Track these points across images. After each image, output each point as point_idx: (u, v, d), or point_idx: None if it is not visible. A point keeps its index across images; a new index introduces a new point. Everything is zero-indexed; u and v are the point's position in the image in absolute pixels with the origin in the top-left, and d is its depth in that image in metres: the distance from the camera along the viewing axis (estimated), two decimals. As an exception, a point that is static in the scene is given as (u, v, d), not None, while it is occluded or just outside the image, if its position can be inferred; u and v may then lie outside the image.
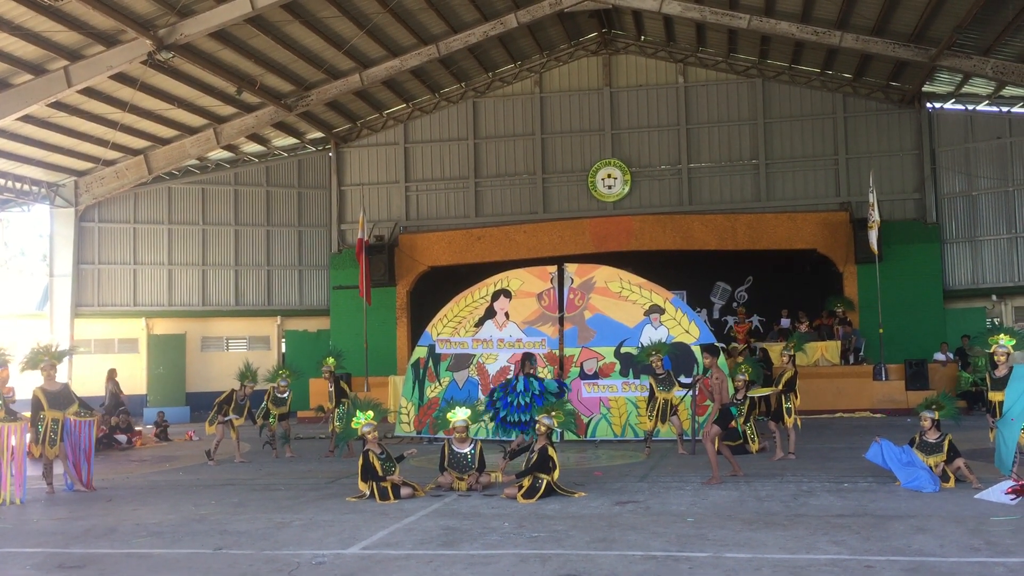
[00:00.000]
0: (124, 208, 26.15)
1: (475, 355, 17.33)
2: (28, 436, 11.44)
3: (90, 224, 25.75)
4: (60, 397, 11.81)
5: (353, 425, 10.88)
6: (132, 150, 24.55)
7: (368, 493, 10.25)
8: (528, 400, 13.61)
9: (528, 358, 14.85)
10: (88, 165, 24.57)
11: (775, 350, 19.28)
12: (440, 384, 17.34)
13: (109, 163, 24.66)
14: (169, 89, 21.48)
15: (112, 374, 20.75)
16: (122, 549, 8.03)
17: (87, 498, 11.24)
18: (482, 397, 16.53)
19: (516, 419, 13.51)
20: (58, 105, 20.45)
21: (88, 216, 25.68)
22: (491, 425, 14.60)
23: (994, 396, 10.58)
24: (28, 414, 11.61)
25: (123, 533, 8.74)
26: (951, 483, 10.13)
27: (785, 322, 23.11)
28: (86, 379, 23.24)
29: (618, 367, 16.47)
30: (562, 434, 13.36)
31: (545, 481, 10.08)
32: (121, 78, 19.93)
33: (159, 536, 8.52)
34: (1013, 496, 9.26)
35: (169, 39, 18.38)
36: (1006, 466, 10.05)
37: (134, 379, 25.60)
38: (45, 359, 11.84)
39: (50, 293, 25.63)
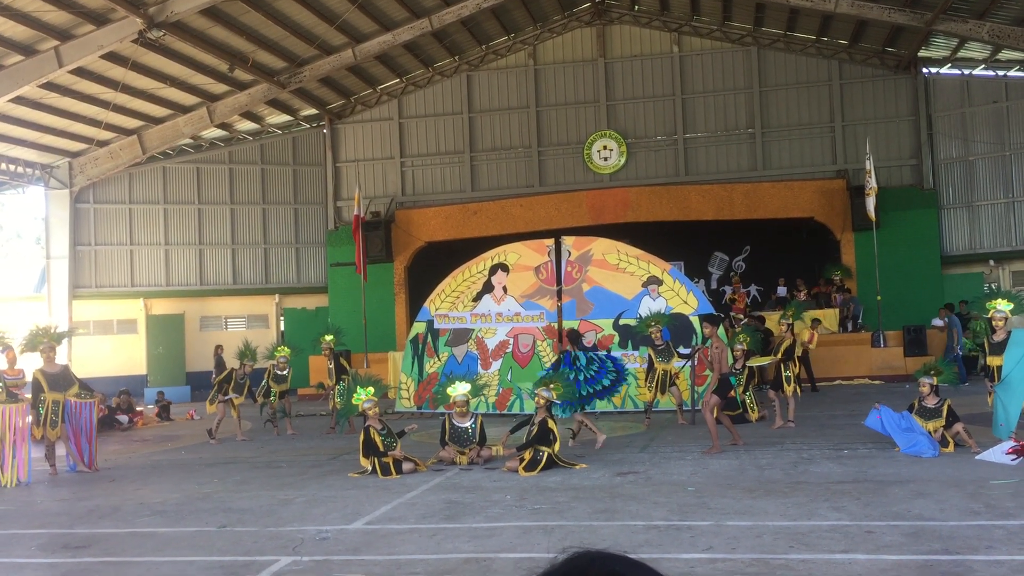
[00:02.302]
0: (119, 188, 26.05)
1: (473, 329, 17.35)
2: (29, 418, 11.47)
3: (85, 205, 25.66)
4: (60, 379, 11.84)
5: (354, 401, 10.91)
6: (125, 130, 24.41)
7: (370, 469, 10.30)
8: (595, 371, 12.90)
9: (573, 335, 13.63)
10: (82, 146, 24.46)
11: (773, 319, 19.29)
12: (439, 359, 17.37)
13: (103, 143, 24.53)
14: (161, 68, 21.33)
15: (219, 349, 22.28)
16: (126, 529, 8.07)
17: (90, 479, 11.29)
18: (481, 371, 16.58)
19: (594, 388, 12.72)
20: (50, 86, 20.31)
21: (83, 197, 25.58)
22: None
23: (992, 360, 10.61)
24: (28, 396, 11.63)
25: (127, 513, 8.78)
26: (950, 448, 10.19)
27: (782, 291, 23.12)
28: (85, 360, 23.27)
29: (617, 339, 16.48)
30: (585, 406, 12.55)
31: (546, 453, 10.12)
32: (112, 57, 19.79)
33: (163, 515, 8.56)
34: (1014, 456, 9.32)
35: (160, 17, 18.23)
36: (1008, 429, 10.09)
37: (133, 360, 25.67)
38: (44, 341, 11.86)
39: (47, 275, 25.59)
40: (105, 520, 8.49)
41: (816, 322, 17.05)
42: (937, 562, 5.89)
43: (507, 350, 17.06)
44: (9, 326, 12.62)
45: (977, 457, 9.68)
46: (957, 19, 20.64)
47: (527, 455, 10.13)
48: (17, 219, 48.48)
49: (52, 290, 25.15)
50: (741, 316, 20.73)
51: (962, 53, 23.50)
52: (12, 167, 24.09)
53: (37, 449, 12.42)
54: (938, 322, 21.37)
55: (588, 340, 16.42)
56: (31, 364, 11.95)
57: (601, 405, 16.03)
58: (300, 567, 6.45)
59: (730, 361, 13.20)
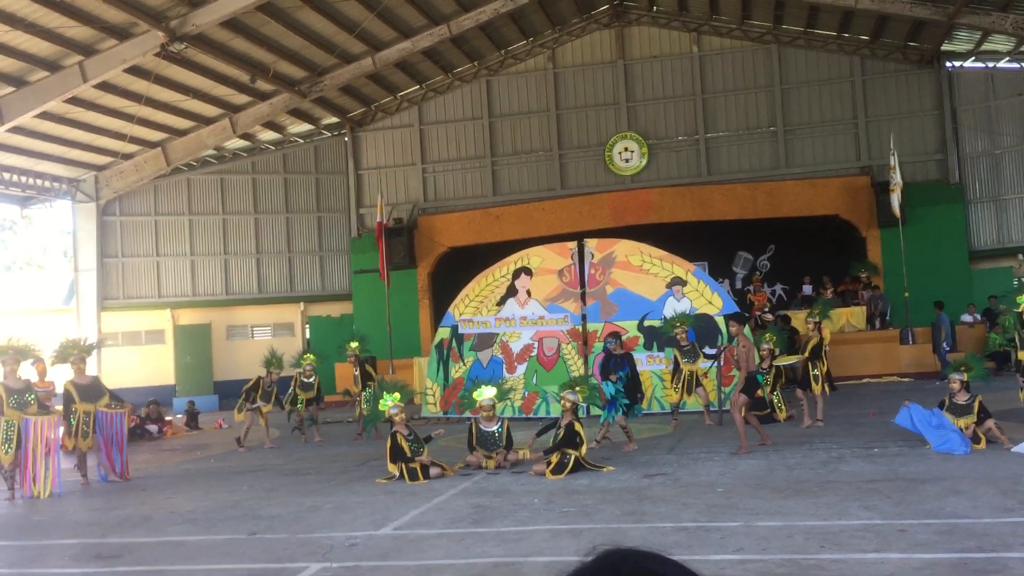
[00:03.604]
0: (145, 201, 26.31)
1: (498, 334, 17.35)
2: (61, 429, 11.60)
3: (112, 218, 25.93)
4: (91, 390, 11.96)
5: (380, 407, 10.94)
6: (150, 143, 24.64)
7: (397, 474, 10.32)
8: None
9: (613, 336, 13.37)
10: (107, 159, 24.71)
11: (799, 318, 19.16)
12: (464, 364, 17.38)
13: (128, 156, 24.76)
14: (183, 80, 21.52)
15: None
16: (158, 538, 8.13)
17: (121, 488, 11.38)
18: (507, 375, 16.57)
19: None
20: (75, 101, 20.53)
21: (109, 210, 25.85)
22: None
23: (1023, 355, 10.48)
24: (60, 408, 11.76)
25: (158, 521, 8.84)
26: (982, 444, 10.07)
27: (807, 289, 22.95)
28: (115, 372, 23.47)
29: (642, 340, 16.43)
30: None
31: (573, 457, 10.10)
32: (136, 71, 19.98)
33: (194, 523, 8.61)
34: None
35: (181, 30, 18.39)
36: None
37: (162, 370, 25.88)
38: (74, 353, 11.99)
39: (76, 288, 25.86)
40: (137, 529, 8.56)
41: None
42: (971, 560, 5.81)
43: (532, 353, 17.04)
44: (39, 339, 12.78)
45: (1012, 450, 9.58)
46: (980, 12, 20.42)
47: (554, 458, 10.11)
48: (45, 233, 49.07)
49: (81, 302, 25.42)
50: (768, 315, 20.61)
51: (986, 46, 23.24)
52: (39, 181, 24.38)
53: (68, 460, 12.55)
54: (968, 318, 21.16)
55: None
56: (61, 376, 12.08)
57: (593, 411, 15.88)
58: (330, 573, 6.47)
59: (757, 360, 13.12)
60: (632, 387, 12.14)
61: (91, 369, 13.84)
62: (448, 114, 26.59)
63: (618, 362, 12.35)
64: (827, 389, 13.45)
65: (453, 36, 23.18)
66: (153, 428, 18.24)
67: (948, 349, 19.49)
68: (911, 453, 9.97)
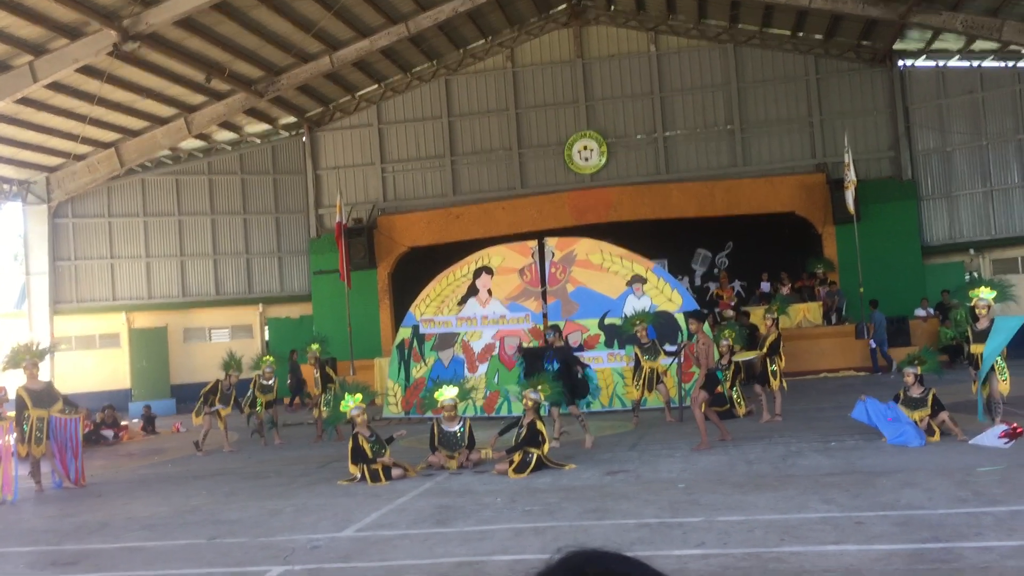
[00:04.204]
0: (98, 202, 25.88)
1: (459, 333, 17.32)
2: (14, 436, 11.37)
3: (64, 220, 25.47)
4: (44, 395, 11.74)
5: (342, 408, 10.87)
6: (103, 143, 24.24)
7: (359, 476, 10.26)
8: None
9: (552, 329, 13.89)
10: (59, 160, 24.26)
11: (757, 314, 19.37)
12: (426, 364, 17.33)
13: (80, 157, 24.35)
14: (137, 80, 21.20)
15: (293, 354, 21.17)
16: (115, 544, 8.01)
17: (77, 494, 11.19)
18: (468, 375, 16.56)
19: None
20: (25, 101, 20.13)
21: (62, 212, 25.39)
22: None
23: (976, 348, 10.68)
24: (12, 414, 11.53)
25: (115, 528, 8.71)
26: (936, 437, 10.25)
27: (765, 286, 23.23)
28: (69, 376, 23.08)
29: (603, 339, 16.50)
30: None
31: (535, 455, 10.11)
32: (88, 71, 19.65)
33: (152, 529, 8.50)
34: (1007, 440, 9.39)
35: (134, 29, 18.11)
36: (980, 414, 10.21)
37: (117, 374, 25.48)
38: (27, 358, 11.76)
39: (27, 291, 25.37)
40: (94, 536, 8.42)
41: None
42: (927, 550, 5.92)
43: (493, 353, 17.05)
44: (-10, 344, 12.52)
45: (970, 442, 9.76)
46: (931, 11, 20.79)
47: (516, 457, 10.12)
48: (-4, 236, 48.06)
49: (33, 306, 24.95)
50: (730, 312, 20.82)
51: (937, 44, 23.65)
52: (-11, 183, 23.90)
53: (22, 466, 12.32)
54: (921, 312, 21.54)
55: (574, 341, 16.43)
56: (13, 381, 11.85)
57: (596, 405, 16.05)
58: (292, 577, 6.41)
59: (716, 357, 13.24)
60: (564, 379, 11.96)
61: (44, 374, 13.59)
62: (407, 113, 26.49)
63: (551, 355, 12.42)
64: (785, 384, 13.61)
65: (411, 35, 23.10)
66: (109, 433, 17.94)
67: (874, 347, 20.09)
68: (867, 446, 10.12)
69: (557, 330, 13.67)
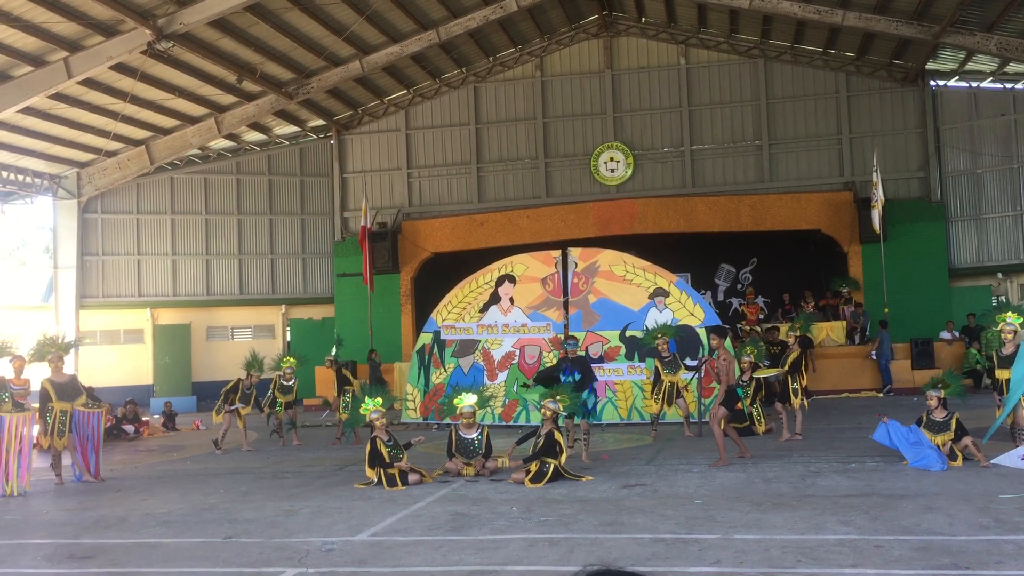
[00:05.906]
0: (127, 199, 26.15)
1: (480, 340, 17.33)
2: (36, 428, 11.48)
3: (93, 215, 25.76)
4: (68, 388, 11.85)
5: (361, 411, 10.90)
6: (134, 140, 24.51)
7: (376, 480, 10.27)
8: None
9: (571, 339, 13.81)
10: (90, 156, 24.55)
11: (781, 331, 19.23)
12: (445, 370, 17.35)
13: (111, 154, 24.64)
14: (169, 79, 21.42)
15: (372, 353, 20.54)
16: (132, 539, 8.06)
17: (96, 489, 11.28)
18: (488, 383, 16.56)
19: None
20: (59, 96, 20.41)
21: (91, 207, 25.68)
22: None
23: (1001, 374, 10.56)
24: (36, 406, 11.65)
25: (133, 523, 8.76)
26: (959, 461, 10.12)
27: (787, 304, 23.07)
28: (92, 370, 23.31)
29: (623, 351, 16.46)
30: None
31: (552, 465, 10.09)
32: (121, 68, 19.87)
33: (169, 525, 8.54)
34: None
35: (168, 28, 18.30)
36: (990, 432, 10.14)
37: (140, 370, 25.72)
38: (52, 351, 11.87)
39: (55, 285, 25.67)
40: (111, 530, 8.47)
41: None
42: (947, 577, 5.84)
43: (513, 361, 17.04)
44: (16, 336, 12.65)
45: (992, 461, 9.66)
46: (965, 32, 20.63)
47: (533, 467, 10.10)
48: (23, 228, 48.62)
49: (60, 300, 25.23)
50: (757, 328, 20.70)
51: (970, 66, 23.48)
52: (21, 177, 24.19)
53: (42, 459, 12.44)
54: (946, 335, 21.32)
55: (595, 352, 16.40)
56: (38, 374, 11.97)
57: (607, 415, 16.01)
58: (306, 579, 6.42)
59: (737, 373, 13.17)
60: (582, 390, 11.96)
61: (68, 368, 13.72)
62: (435, 119, 26.59)
63: (569, 367, 12.36)
64: (806, 403, 13.51)
65: (442, 42, 23.21)
66: (130, 428, 18.09)
67: (878, 360, 20.37)
68: (888, 469, 10.01)
69: (574, 340, 13.64)
